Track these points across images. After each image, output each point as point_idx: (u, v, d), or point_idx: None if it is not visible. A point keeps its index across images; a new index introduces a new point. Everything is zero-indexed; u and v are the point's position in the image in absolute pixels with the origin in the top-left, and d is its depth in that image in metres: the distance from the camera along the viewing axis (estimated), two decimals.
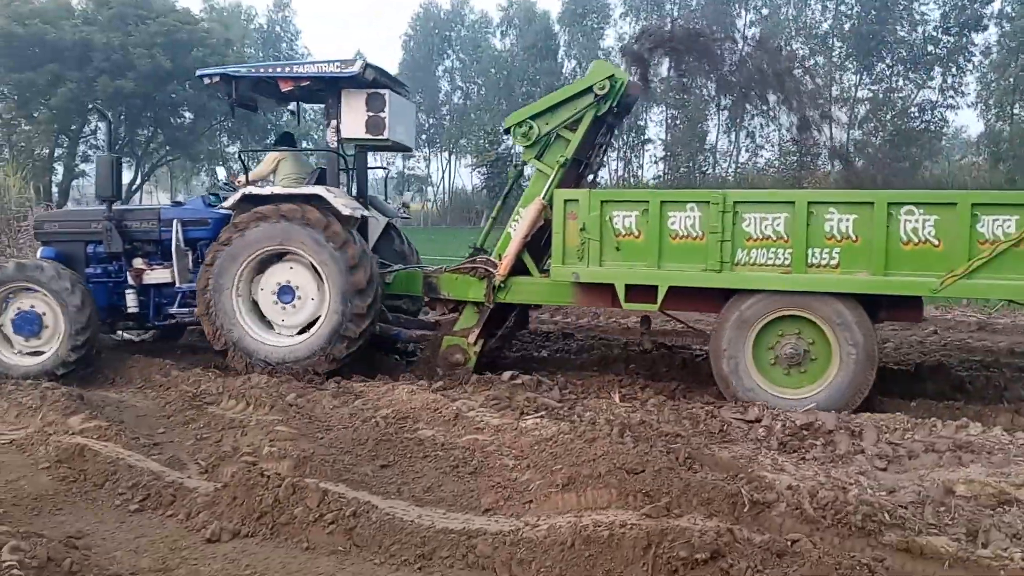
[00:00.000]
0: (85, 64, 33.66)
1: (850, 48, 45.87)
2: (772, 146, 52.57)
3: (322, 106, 8.11)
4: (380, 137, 7.61)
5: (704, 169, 54.63)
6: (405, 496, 4.52)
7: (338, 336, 7.16)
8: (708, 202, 6.41)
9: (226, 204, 7.62)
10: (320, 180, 7.89)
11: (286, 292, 7.36)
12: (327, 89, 7.69)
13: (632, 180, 56.45)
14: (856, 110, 46.65)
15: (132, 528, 4.13)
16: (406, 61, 59.88)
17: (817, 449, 5.35)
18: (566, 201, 6.82)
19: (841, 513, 3.98)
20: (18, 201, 22.53)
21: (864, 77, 46.46)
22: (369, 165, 8.89)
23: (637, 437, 5.18)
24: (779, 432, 5.61)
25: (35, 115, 35.33)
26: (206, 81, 7.85)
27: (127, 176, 42.64)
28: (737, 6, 52.02)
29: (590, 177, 8.37)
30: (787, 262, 6.24)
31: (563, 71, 57.62)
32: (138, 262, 7.93)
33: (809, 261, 6.19)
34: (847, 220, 6.11)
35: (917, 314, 6.86)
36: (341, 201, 7.33)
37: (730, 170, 52.25)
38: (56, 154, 38.26)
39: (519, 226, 7.31)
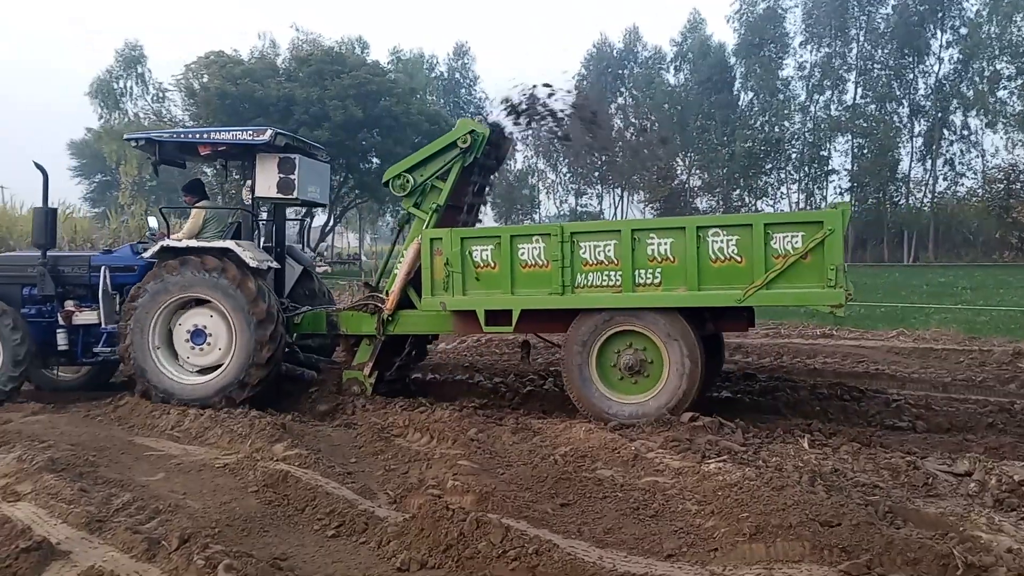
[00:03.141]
0: (287, 117, 36.80)
1: None
2: (974, 174, 48.65)
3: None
4: (290, 197, 8.22)
5: (896, 199, 51.28)
6: (586, 536, 4.49)
7: (241, 380, 7.70)
8: (550, 234, 7.19)
9: (146, 255, 8.20)
10: (236, 234, 8.54)
11: (199, 335, 7.93)
12: (243, 153, 8.45)
13: None
14: None
15: (329, 552, 4.36)
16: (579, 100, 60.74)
17: None
18: (432, 240, 7.59)
19: None
20: None
21: None
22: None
23: (830, 487, 4.88)
24: (994, 488, 5.08)
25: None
26: (132, 144, 8.54)
27: (320, 219, 45.94)
28: (932, 27, 48.89)
29: (470, 218, 8.87)
30: (618, 283, 6.98)
31: (739, 103, 56.38)
32: (69, 304, 8.57)
33: (636, 281, 6.93)
34: (665, 243, 6.86)
35: (743, 325, 7.58)
36: (249, 255, 7.90)
37: (925, 200, 48.69)
38: None
39: (402, 265, 8.04)
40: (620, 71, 62.41)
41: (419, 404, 7.69)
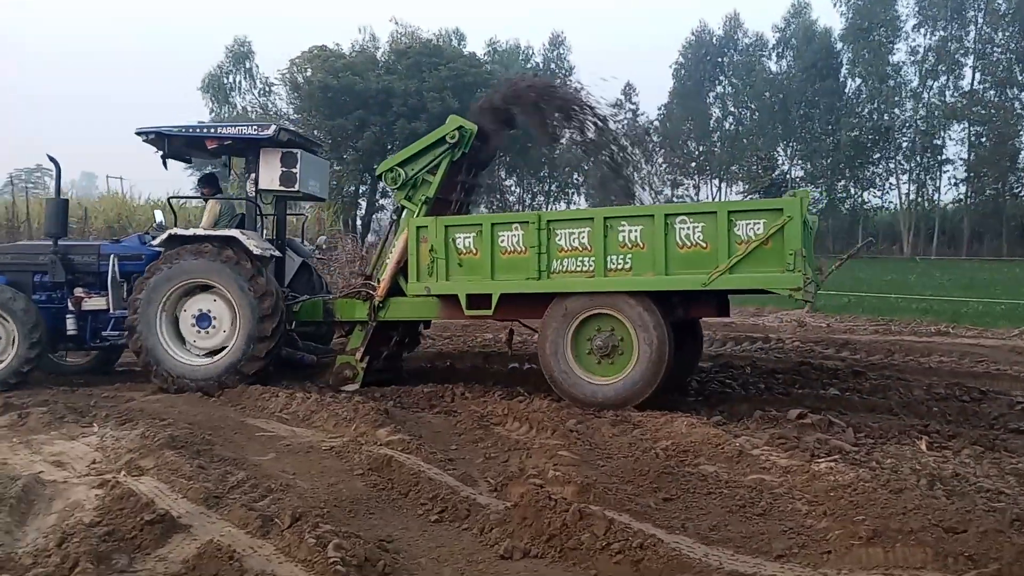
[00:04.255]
0: (386, 109, 37.52)
1: None
2: None
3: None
4: (292, 189, 8.66)
5: (1016, 191, 48.31)
6: (690, 532, 4.40)
7: (249, 354, 8.05)
8: (528, 222, 7.53)
9: (155, 242, 8.55)
10: (240, 224, 8.87)
11: (204, 319, 8.28)
12: (247, 147, 8.75)
13: (927, 205, 51.41)
14: None
15: (433, 537, 4.41)
16: (676, 89, 59.58)
17: None
18: (418, 228, 7.97)
19: None
20: (329, 232, 25.66)
21: None
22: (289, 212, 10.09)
23: (951, 491, 4.64)
24: None
25: (344, 156, 39.89)
26: (143, 138, 8.74)
27: None
28: None
29: (461, 212, 9.01)
30: (591, 268, 7.29)
31: (845, 90, 54.17)
32: (79, 291, 8.88)
33: (608, 266, 7.23)
34: (636, 231, 7.13)
35: (712, 311, 7.92)
36: (253, 242, 8.24)
37: None
38: (360, 191, 42.87)
39: (393, 254, 8.36)
40: (719, 59, 60.86)
41: (517, 393, 7.73)
